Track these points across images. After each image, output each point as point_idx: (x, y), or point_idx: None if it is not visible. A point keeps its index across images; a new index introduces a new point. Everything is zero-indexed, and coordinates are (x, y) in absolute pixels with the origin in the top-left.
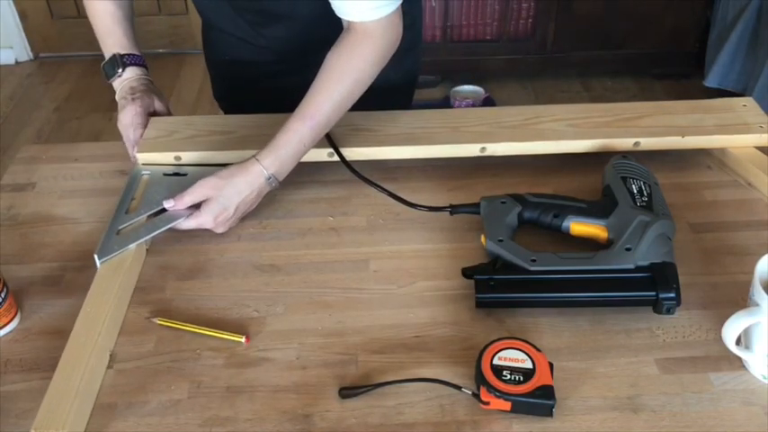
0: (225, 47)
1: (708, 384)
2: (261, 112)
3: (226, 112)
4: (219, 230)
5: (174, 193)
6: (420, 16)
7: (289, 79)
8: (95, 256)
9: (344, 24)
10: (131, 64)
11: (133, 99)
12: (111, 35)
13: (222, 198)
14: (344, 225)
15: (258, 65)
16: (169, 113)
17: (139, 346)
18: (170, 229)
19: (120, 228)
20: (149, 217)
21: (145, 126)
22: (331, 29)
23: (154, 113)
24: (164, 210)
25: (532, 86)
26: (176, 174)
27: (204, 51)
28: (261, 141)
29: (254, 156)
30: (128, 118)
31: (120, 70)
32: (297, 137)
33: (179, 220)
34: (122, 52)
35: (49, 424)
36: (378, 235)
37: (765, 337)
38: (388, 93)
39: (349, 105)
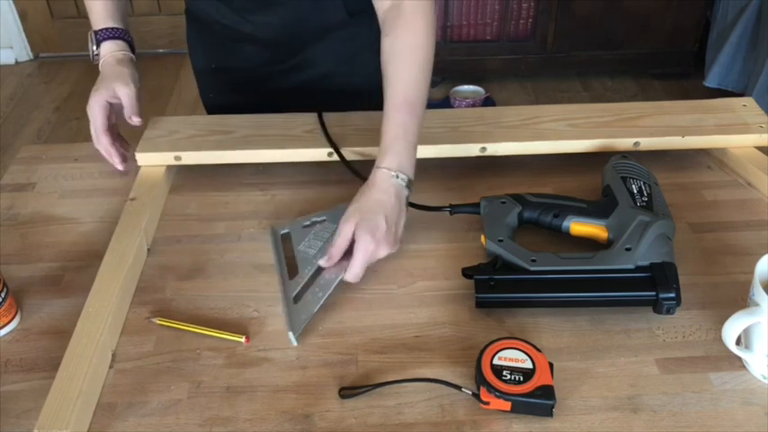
0: (210, 49)
1: (708, 384)
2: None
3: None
4: (383, 252)
5: (324, 240)
6: None
7: (279, 81)
8: (290, 334)
9: (383, 8)
10: (105, 39)
11: (97, 89)
12: (92, 12)
13: (367, 216)
14: None
15: (246, 68)
16: (135, 97)
17: (139, 346)
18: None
19: (294, 295)
20: (314, 275)
21: (106, 116)
22: (329, 19)
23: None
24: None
25: (532, 86)
26: (314, 222)
27: (191, 61)
28: (261, 141)
29: (374, 167)
30: (90, 109)
31: (95, 48)
32: (402, 129)
33: (350, 269)
34: (96, 28)
35: (52, 423)
36: None
37: (765, 337)
38: (376, 95)
39: (429, 78)
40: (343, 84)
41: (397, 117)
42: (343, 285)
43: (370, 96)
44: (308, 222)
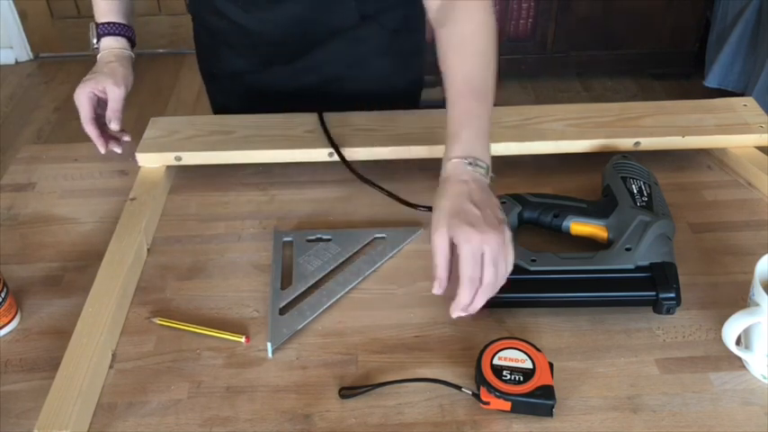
0: (215, 52)
1: (708, 384)
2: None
3: None
4: (495, 236)
5: (327, 262)
6: (423, 22)
7: (285, 83)
8: (269, 344)
9: (434, 7)
10: (106, 34)
11: (86, 80)
12: (97, 4)
13: (455, 219)
14: (345, 225)
15: (251, 70)
16: (121, 101)
17: (139, 346)
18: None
19: (282, 306)
20: (306, 292)
21: (92, 108)
22: (339, 21)
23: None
24: (320, 281)
25: (532, 86)
26: (319, 239)
27: (199, 65)
28: (261, 141)
29: (442, 161)
30: (77, 99)
31: (95, 41)
32: (467, 116)
33: (460, 300)
34: (99, 21)
35: (52, 423)
36: None
37: (765, 337)
38: (394, 99)
39: (494, 66)
40: (351, 88)
41: (463, 104)
42: (340, 294)
43: (378, 100)
44: (312, 237)
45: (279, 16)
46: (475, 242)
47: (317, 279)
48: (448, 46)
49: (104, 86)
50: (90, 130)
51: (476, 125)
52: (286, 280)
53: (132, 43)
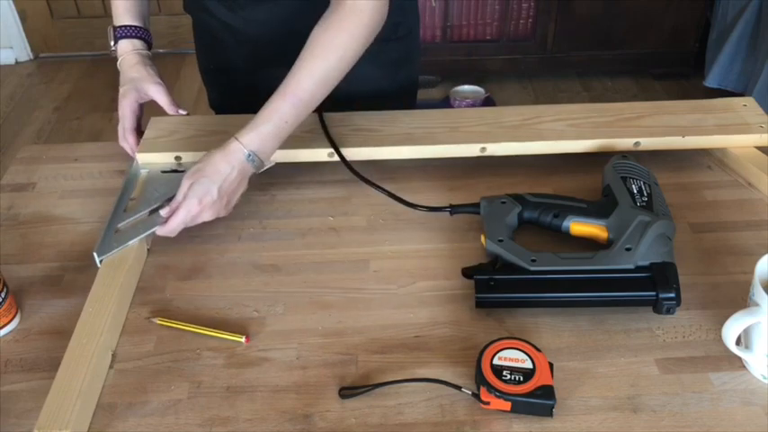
0: (208, 48)
1: (708, 384)
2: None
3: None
4: (207, 216)
5: (173, 190)
6: (417, 28)
7: (275, 85)
8: (94, 254)
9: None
10: (123, 37)
11: (126, 91)
12: (114, 7)
13: (204, 179)
14: (344, 225)
15: (241, 68)
16: (168, 92)
17: (139, 347)
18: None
19: (119, 226)
20: (148, 214)
21: (137, 117)
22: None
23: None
24: (161, 207)
25: (532, 86)
26: (174, 171)
27: (197, 59)
28: None
29: (233, 135)
30: (122, 110)
31: (113, 44)
32: (277, 114)
33: (170, 222)
34: (116, 24)
35: (52, 424)
36: (378, 235)
37: (765, 337)
38: (384, 106)
39: (334, 83)
40: (340, 95)
41: (280, 103)
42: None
43: (368, 107)
44: (167, 169)
45: (261, 16)
46: (192, 213)
47: (158, 204)
48: (308, 45)
49: (144, 90)
50: (131, 140)
51: (279, 126)
52: (132, 204)
53: (149, 45)
